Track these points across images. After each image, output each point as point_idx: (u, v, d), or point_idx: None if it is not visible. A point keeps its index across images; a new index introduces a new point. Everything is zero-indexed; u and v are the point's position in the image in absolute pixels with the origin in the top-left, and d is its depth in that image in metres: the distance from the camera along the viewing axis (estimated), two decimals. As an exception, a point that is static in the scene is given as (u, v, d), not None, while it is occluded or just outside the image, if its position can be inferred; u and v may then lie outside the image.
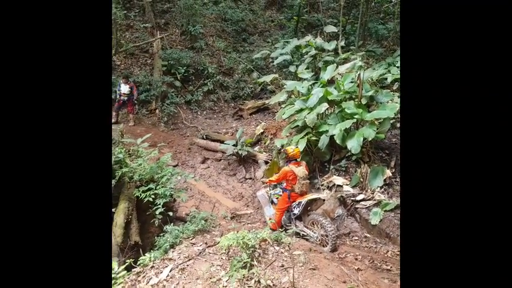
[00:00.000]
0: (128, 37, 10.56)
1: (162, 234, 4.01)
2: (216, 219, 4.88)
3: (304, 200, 4.45)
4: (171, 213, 4.33)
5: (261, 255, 3.37)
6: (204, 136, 8.57)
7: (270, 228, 4.60)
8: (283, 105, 6.93)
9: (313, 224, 4.46)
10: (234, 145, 7.41)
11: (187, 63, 10.22)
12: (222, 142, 7.95)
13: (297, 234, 4.41)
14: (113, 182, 4.40)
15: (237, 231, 3.46)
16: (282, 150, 5.45)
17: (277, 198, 4.94)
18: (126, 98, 8.42)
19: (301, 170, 4.53)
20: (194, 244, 3.71)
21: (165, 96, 9.44)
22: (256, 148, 7.78)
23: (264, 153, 7.52)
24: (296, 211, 4.54)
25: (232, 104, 10.52)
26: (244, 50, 11.82)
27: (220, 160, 7.81)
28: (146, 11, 11.14)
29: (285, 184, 4.70)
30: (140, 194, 4.44)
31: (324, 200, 4.70)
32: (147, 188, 4.47)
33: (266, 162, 7.12)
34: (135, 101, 8.71)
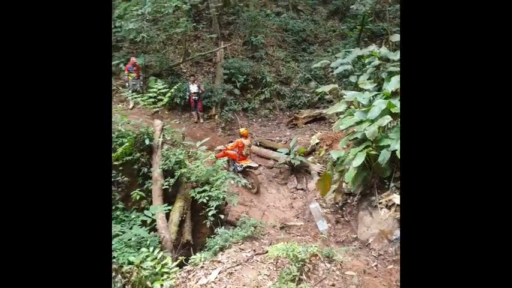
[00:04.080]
0: (195, 47, 11.23)
1: (212, 236, 4.10)
2: (265, 228, 4.85)
3: (244, 164, 6.79)
4: (222, 216, 4.41)
5: (311, 270, 3.24)
6: (258, 143, 8.66)
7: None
8: (341, 116, 6.69)
9: (246, 174, 6.78)
10: (287, 153, 7.35)
11: (247, 72, 10.51)
12: (275, 150, 7.94)
13: (233, 179, 5.80)
14: (172, 181, 4.65)
15: (287, 242, 3.39)
16: (241, 133, 7.14)
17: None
18: (196, 97, 8.94)
19: (246, 141, 6.99)
20: (243, 250, 3.71)
21: (224, 103, 9.80)
22: (310, 158, 7.61)
23: (318, 164, 7.31)
24: (239, 168, 6.87)
25: (288, 113, 10.50)
26: (303, 60, 11.77)
27: (272, 168, 7.81)
28: (213, 22, 11.76)
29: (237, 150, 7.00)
30: (195, 195, 4.62)
31: (255, 167, 6.98)
32: (202, 189, 4.64)
33: (319, 174, 6.92)
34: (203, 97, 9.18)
